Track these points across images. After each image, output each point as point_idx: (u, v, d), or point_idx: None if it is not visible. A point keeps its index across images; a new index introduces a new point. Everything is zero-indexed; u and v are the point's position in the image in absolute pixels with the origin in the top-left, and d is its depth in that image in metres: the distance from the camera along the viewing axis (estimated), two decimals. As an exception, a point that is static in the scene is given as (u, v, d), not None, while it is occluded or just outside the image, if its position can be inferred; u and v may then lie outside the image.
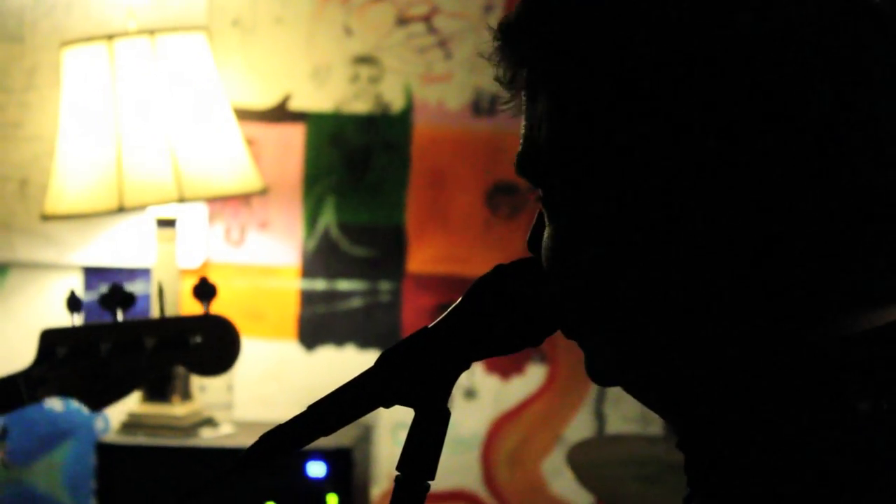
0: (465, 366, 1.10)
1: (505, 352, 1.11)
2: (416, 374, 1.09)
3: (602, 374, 1.07)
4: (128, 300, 1.95)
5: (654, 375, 1.03)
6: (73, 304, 1.98)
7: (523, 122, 1.04)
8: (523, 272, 1.09)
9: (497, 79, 1.05)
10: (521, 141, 1.04)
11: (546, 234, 1.04)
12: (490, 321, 1.09)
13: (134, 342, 1.95)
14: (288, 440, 1.10)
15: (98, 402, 1.95)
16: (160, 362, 1.94)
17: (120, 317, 1.95)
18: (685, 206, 0.95)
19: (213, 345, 1.96)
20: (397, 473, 1.10)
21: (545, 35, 1.00)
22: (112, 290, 1.96)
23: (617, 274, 0.99)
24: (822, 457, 0.92)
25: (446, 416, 1.10)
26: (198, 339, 1.96)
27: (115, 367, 1.95)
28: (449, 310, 1.11)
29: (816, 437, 0.93)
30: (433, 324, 1.11)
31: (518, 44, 1.02)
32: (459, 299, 1.11)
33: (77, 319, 1.98)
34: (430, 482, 1.10)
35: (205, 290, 1.98)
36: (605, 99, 0.97)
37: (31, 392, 1.95)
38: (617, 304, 1.00)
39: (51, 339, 1.99)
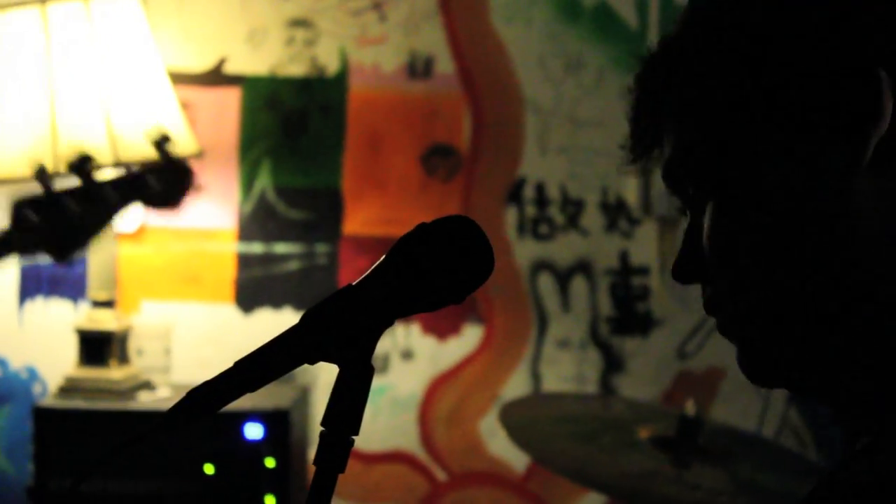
0: (389, 322, 1.13)
1: (427, 308, 1.13)
2: (340, 331, 1.12)
3: (766, 372, 1.08)
4: (92, 163, 2.20)
5: (811, 366, 1.05)
6: (42, 175, 2.18)
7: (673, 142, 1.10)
8: (443, 230, 1.12)
9: (636, 139, 1.12)
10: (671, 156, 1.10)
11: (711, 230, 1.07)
12: (412, 279, 1.12)
13: (99, 197, 2.18)
14: (214, 397, 1.12)
15: (64, 253, 2.11)
16: (122, 207, 2.20)
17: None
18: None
19: (168, 186, 2.25)
20: (321, 429, 1.12)
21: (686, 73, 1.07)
22: (80, 158, 2.20)
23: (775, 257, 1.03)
24: None
25: (370, 372, 1.13)
26: (154, 182, 2.24)
27: (82, 221, 2.16)
28: (373, 267, 1.13)
29: None
30: (357, 281, 1.13)
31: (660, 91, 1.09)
32: (382, 257, 1.13)
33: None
34: (354, 437, 1.12)
35: (160, 140, 2.28)
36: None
37: None
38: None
39: (22, 207, 2.16)
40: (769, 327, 1.04)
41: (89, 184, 2.18)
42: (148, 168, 2.27)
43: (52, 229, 2.14)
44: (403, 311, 1.13)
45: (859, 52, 0.98)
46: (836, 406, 1.06)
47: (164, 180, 2.25)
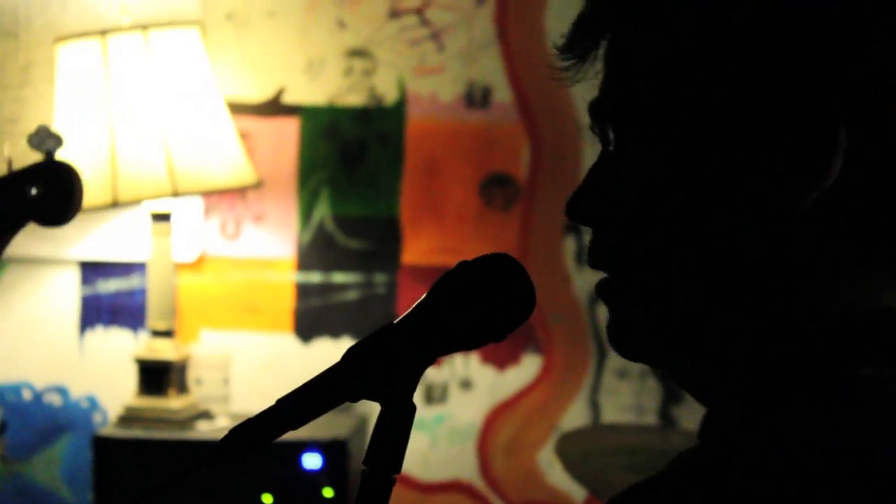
0: (431, 361, 1.12)
1: (467, 347, 1.12)
2: (381, 368, 1.11)
3: (632, 341, 1.07)
4: None
5: (681, 344, 1.04)
6: None
7: (607, 72, 1.07)
8: (486, 269, 1.11)
9: (565, 45, 1.08)
10: (601, 89, 1.07)
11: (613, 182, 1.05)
12: (452, 318, 1.11)
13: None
14: (257, 433, 1.11)
15: None
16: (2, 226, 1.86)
17: None
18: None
19: (52, 194, 1.88)
20: (363, 467, 1.11)
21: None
22: None
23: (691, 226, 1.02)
24: (821, 425, 0.94)
25: (412, 410, 1.11)
26: (34, 191, 1.88)
27: None
28: (413, 305, 1.12)
29: (816, 404, 0.95)
30: (398, 319, 1.12)
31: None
32: (424, 295, 1.12)
33: None
34: (395, 476, 1.11)
35: (43, 138, 1.90)
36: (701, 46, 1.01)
37: None
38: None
39: None
40: (659, 296, 1.03)
41: None
42: (26, 172, 1.89)
43: None
44: (444, 350, 1.12)
45: (822, 103, 0.98)
46: (698, 395, 1.06)
47: (47, 187, 1.88)
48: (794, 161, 0.98)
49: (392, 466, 1.11)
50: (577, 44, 1.08)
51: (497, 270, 1.11)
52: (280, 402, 1.12)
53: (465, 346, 1.12)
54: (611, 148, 1.06)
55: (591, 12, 1.07)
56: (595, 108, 1.07)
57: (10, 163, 1.92)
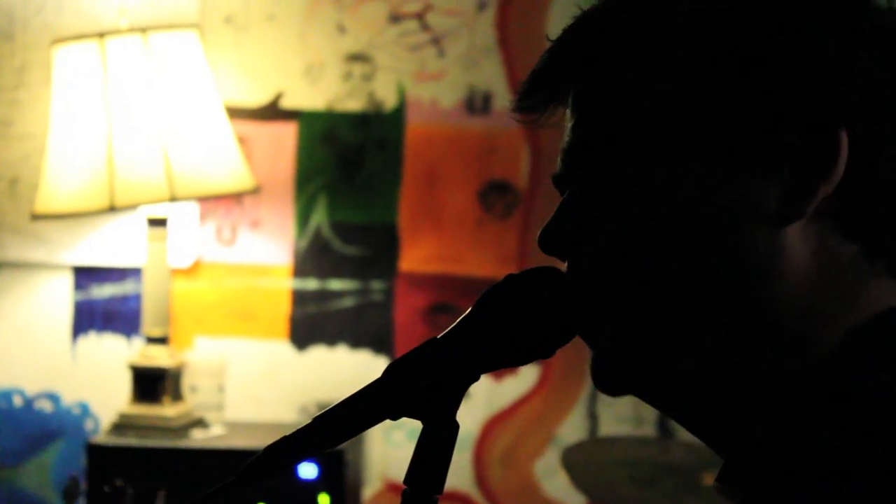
0: (475, 377, 1.08)
1: (514, 363, 1.09)
2: (424, 386, 1.07)
3: (610, 376, 1.05)
4: None
5: (657, 370, 1.02)
6: None
7: (569, 122, 1.06)
8: (534, 281, 1.08)
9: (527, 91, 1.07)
10: (567, 136, 1.06)
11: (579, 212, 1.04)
12: (501, 333, 1.07)
13: None
14: (293, 451, 1.08)
15: None
16: None
17: None
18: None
19: None
20: (404, 487, 1.08)
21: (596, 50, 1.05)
22: None
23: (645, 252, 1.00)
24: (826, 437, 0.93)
25: (455, 428, 1.08)
26: None
27: None
28: (458, 320, 1.08)
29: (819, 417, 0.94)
30: (442, 334, 1.08)
31: (569, 60, 1.06)
32: (469, 309, 1.08)
33: None
34: (437, 496, 1.08)
35: None
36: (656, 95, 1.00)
37: None
38: (640, 283, 1.00)
39: None
40: (649, 322, 1.01)
41: None
42: None
43: None
44: (490, 366, 1.08)
45: (822, 105, 0.97)
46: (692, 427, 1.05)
47: None
48: (796, 166, 0.97)
49: (435, 487, 1.07)
50: (534, 98, 1.07)
51: (546, 284, 1.07)
52: (318, 418, 1.08)
53: (513, 362, 1.09)
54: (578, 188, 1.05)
55: (545, 70, 1.07)
56: (568, 152, 1.06)
57: None
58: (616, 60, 1.02)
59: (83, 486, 2.00)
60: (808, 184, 0.97)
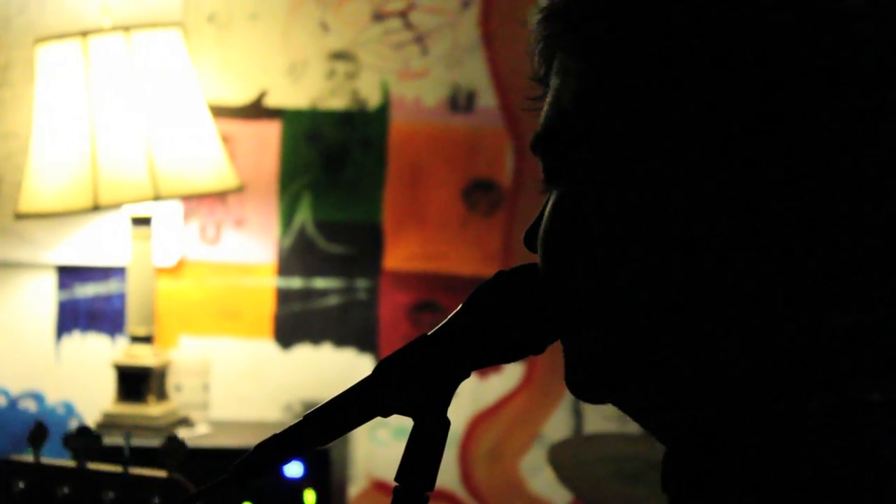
0: (466, 374, 1.08)
1: (506, 360, 1.09)
2: (415, 383, 1.07)
3: (585, 380, 1.04)
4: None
5: (643, 374, 1.01)
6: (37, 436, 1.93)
7: (548, 99, 1.04)
8: (525, 278, 1.08)
9: (535, 78, 1.05)
10: (543, 118, 1.04)
11: (554, 212, 1.03)
12: (491, 329, 1.07)
13: (93, 494, 1.90)
14: (283, 450, 1.08)
15: None
16: None
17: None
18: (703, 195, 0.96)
19: None
20: (396, 484, 1.08)
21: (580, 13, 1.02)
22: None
23: (622, 256, 0.98)
24: (827, 451, 0.91)
25: (446, 425, 1.07)
26: (156, 501, 1.89)
27: None
28: (449, 317, 1.08)
29: (821, 431, 0.92)
30: (433, 331, 1.08)
31: (556, 28, 1.03)
32: (460, 306, 1.08)
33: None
34: (429, 493, 1.07)
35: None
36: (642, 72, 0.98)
37: None
38: (620, 286, 0.99)
39: (8, 470, 1.92)
40: (610, 327, 1.00)
41: (84, 475, 1.91)
42: (151, 485, 1.93)
43: None
44: (481, 363, 1.08)
45: (820, 103, 0.96)
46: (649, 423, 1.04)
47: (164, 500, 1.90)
48: (795, 166, 0.96)
49: (426, 484, 1.07)
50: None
51: (536, 280, 1.07)
52: (307, 416, 1.08)
53: (504, 358, 1.09)
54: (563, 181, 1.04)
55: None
56: (542, 137, 1.04)
57: None
58: (613, 58, 1.00)
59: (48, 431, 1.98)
60: (808, 185, 0.96)
